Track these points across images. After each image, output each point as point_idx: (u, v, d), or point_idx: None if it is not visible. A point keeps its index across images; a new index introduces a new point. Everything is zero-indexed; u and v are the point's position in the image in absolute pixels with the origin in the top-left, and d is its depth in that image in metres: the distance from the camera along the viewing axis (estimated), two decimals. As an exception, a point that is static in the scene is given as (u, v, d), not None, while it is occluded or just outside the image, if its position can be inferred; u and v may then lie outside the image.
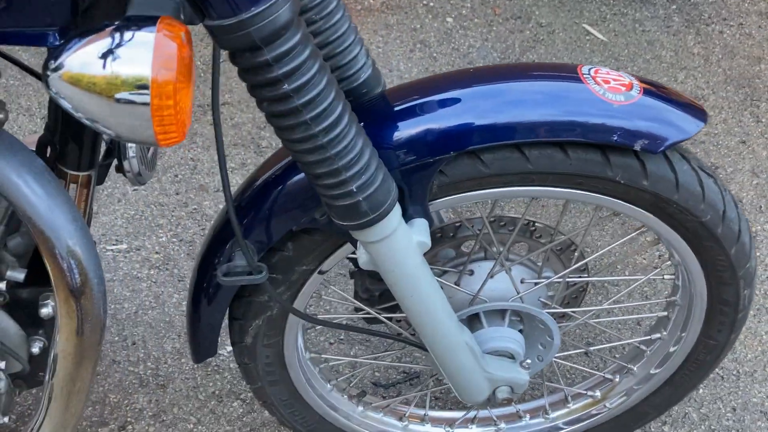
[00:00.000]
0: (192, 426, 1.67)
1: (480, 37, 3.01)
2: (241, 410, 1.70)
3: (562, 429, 1.52)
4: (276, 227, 1.05)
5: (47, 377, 1.06)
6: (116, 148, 1.11)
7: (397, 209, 0.94)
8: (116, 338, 1.82)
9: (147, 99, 0.66)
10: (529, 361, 1.22)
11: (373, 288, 1.32)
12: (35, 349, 1.16)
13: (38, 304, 1.09)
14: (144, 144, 0.70)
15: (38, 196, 0.90)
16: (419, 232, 0.99)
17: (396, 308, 1.33)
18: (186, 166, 2.28)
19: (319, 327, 1.70)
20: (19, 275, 1.03)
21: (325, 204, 0.93)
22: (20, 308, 1.12)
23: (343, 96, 0.84)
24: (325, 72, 0.81)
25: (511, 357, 1.25)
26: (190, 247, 2.06)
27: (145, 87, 0.66)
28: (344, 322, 1.53)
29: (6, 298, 1.09)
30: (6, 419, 1.14)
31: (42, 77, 0.72)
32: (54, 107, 0.96)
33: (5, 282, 1.02)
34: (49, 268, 0.94)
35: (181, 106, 0.68)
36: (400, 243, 0.96)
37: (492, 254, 1.25)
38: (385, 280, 1.03)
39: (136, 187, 2.15)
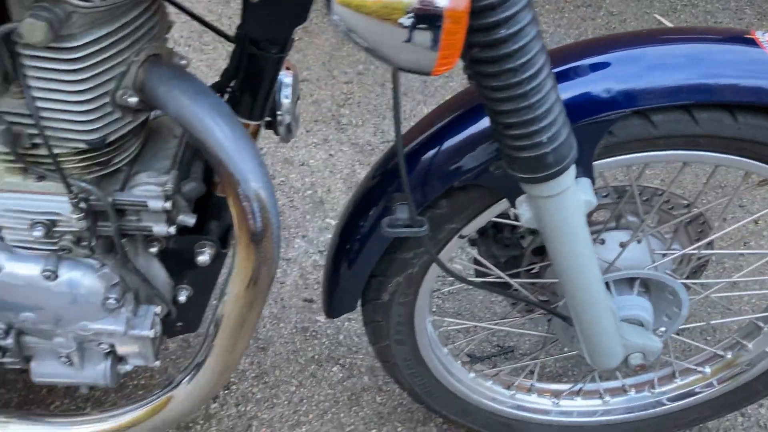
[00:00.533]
0: (294, 388, 1.69)
1: (552, 23, 3.02)
2: (340, 375, 1.72)
3: (665, 405, 1.54)
4: (437, 183, 1.06)
5: (212, 322, 1.09)
6: (270, 104, 1.13)
7: (574, 165, 0.95)
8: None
9: (440, 25, 0.68)
10: (663, 328, 1.23)
11: (499, 254, 1.34)
12: (182, 297, 1.19)
13: (194, 251, 1.12)
14: (415, 71, 0.71)
15: (229, 140, 0.92)
16: (585, 191, 1.00)
17: (517, 275, 1.35)
18: (271, 140, 2.31)
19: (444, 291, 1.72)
20: (190, 220, 1.05)
21: (507, 156, 0.94)
22: (172, 256, 1.15)
23: (545, 47, 0.85)
24: (536, 22, 0.82)
25: (641, 325, 1.26)
26: (279, 219, 2.08)
27: (437, 14, 0.68)
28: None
29: (163, 244, 1.11)
30: (158, 363, 1.17)
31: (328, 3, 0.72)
32: (239, 52, 0.98)
33: (174, 226, 1.05)
34: (234, 212, 0.96)
35: (462, 34, 0.70)
36: (570, 200, 0.97)
37: (625, 224, 1.27)
38: (545, 239, 1.04)
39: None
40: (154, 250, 1.11)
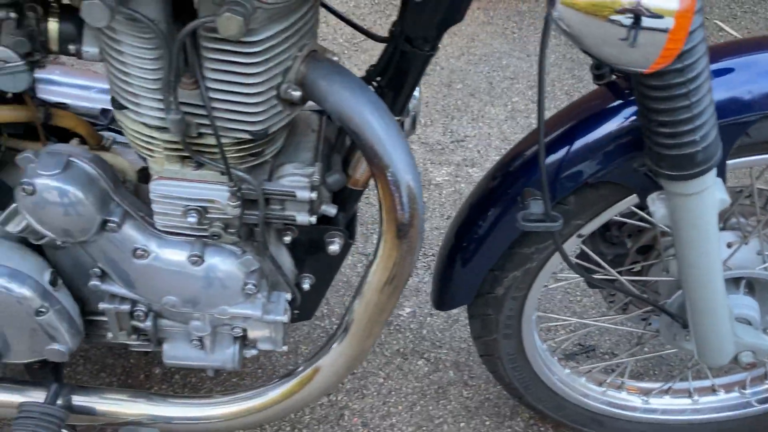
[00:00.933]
0: (382, 380, 1.73)
1: (613, 28, 3.05)
2: (426, 369, 1.76)
3: (754, 407, 1.55)
4: (570, 180, 1.10)
5: (349, 309, 1.13)
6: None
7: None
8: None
9: (667, 27, 0.71)
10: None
11: (607, 252, 1.37)
12: (305, 286, 1.23)
13: (324, 241, 1.16)
14: (627, 69, 0.75)
15: (384, 133, 0.96)
16: (720, 190, 1.03)
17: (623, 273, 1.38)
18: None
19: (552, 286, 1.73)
20: (332, 210, 1.09)
21: (655, 153, 0.97)
22: (300, 245, 1.19)
23: (707, 46, 0.88)
24: (702, 25, 0.86)
25: (749, 324, 1.29)
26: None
27: (666, 16, 0.71)
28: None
29: (295, 233, 1.15)
30: (285, 348, 1.21)
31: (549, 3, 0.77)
32: (392, 49, 1.02)
33: (314, 216, 1.09)
34: (383, 202, 1.00)
35: (685, 33, 0.73)
36: (708, 198, 1.01)
37: (733, 225, 1.29)
38: (676, 236, 1.07)
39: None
40: (287, 239, 1.15)
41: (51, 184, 0.99)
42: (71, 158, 1.01)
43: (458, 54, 2.77)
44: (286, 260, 1.20)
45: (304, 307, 1.28)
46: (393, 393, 1.72)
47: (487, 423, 1.68)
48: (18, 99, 1.18)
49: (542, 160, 1.01)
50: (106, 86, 1.30)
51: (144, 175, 1.16)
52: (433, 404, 1.70)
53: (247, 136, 0.98)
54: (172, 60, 0.89)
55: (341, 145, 1.13)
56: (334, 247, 1.15)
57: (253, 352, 1.24)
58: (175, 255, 1.09)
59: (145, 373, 1.70)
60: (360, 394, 1.71)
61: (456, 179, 2.29)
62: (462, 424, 1.67)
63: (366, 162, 0.98)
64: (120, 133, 1.23)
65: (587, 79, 2.80)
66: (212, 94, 0.94)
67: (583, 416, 1.54)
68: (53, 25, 0.96)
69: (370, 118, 0.96)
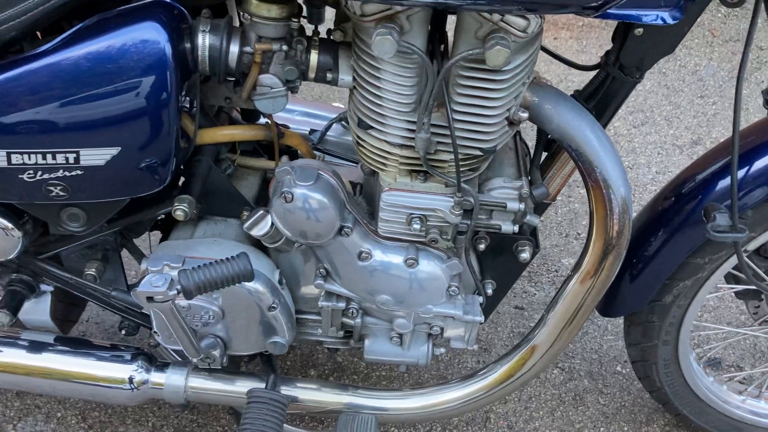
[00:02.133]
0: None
1: (704, 56, 3.15)
2: (561, 377, 1.86)
3: None
4: (752, 196, 1.21)
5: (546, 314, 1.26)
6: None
7: None
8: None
9: None
10: None
11: (760, 265, 1.47)
12: (489, 291, 1.35)
13: (515, 250, 1.27)
14: None
15: (604, 151, 1.08)
16: None
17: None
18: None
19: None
20: (535, 221, 1.21)
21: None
22: (489, 252, 1.30)
23: None
24: None
25: None
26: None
27: None
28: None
29: (488, 240, 1.27)
30: (475, 346, 1.33)
31: None
32: (602, 77, 1.15)
33: (517, 225, 1.21)
34: (595, 214, 1.12)
35: None
36: None
37: None
38: None
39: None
40: (482, 246, 1.27)
41: (307, 193, 1.12)
42: (320, 171, 1.15)
43: (556, 82, 2.89)
44: (474, 266, 1.33)
45: (483, 311, 1.40)
46: (533, 399, 1.82)
47: (625, 429, 1.77)
48: (251, 120, 1.33)
49: (734, 177, 1.13)
50: (306, 110, 1.46)
51: (353, 187, 1.30)
52: (572, 410, 1.80)
53: (478, 153, 1.11)
54: (434, 86, 1.02)
55: (538, 161, 1.26)
56: (525, 255, 1.27)
57: (441, 350, 1.36)
58: (394, 258, 1.21)
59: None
60: (502, 400, 1.81)
61: (569, 199, 2.40)
62: (602, 429, 1.76)
63: (582, 176, 1.10)
64: (323, 152, 1.38)
65: (684, 106, 2.91)
66: (456, 116, 1.07)
67: (724, 422, 1.63)
68: (314, 57, 1.10)
69: (590, 137, 1.08)
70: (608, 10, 0.95)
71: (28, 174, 1.04)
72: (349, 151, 1.43)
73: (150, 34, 0.99)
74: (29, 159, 1.03)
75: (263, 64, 1.08)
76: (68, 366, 1.32)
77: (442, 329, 1.31)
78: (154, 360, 1.34)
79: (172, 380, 1.31)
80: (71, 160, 1.03)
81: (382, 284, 1.23)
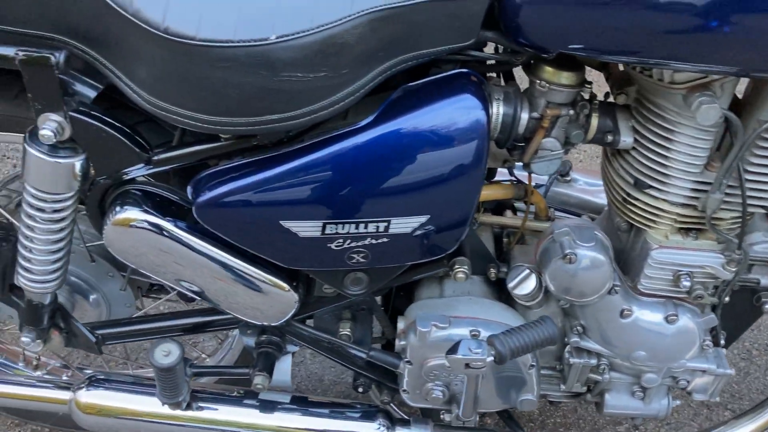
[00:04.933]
0: (695, 430, 1.84)
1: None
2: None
3: None
4: None
5: None
6: None
7: None
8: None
9: None
10: None
11: None
12: (722, 341, 1.35)
13: (761, 302, 1.28)
14: None
15: None
16: None
17: None
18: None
19: None
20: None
21: None
22: (726, 305, 1.32)
23: None
24: None
25: None
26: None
27: None
28: None
29: (728, 293, 1.28)
30: (718, 398, 1.33)
31: None
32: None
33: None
34: None
35: None
36: None
37: None
38: None
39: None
40: (727, 298, 1.28)
41: (589, 254, 1.14)
42: (595, 231, 1.16)
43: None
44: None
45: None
46: (712, 443, 1.82)
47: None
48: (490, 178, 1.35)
49: None
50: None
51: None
52: (753, 453, 1.80)
53: (761, 210, 1.12)
54: (742, 149, 1.04)
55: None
56: (768, 307, 1.28)
57: (677, 402, 1.37)
58: (654, 314, 1.22)
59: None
60: (678, 440, 1.82)
61: None
62: (787, 473, 1.76)
63: None
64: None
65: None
66: (746, 175, 1.09)
67: None
68: (594, 120, 1.12)
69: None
70: None
71: (337, 243, 1.06)
72: (563, 203, 1.45)
73: (467, 103, 1.01)
74: (342, 229, 1.04)
75: (548, 128, 1.11)
76: (313, 425, 1.32)
77: (688, 382, 1.32)
78: (391, 416, 1.34)
79: (418, 438, 1.32)
80: (381, 229, 1.05)
81: (640, 341, 1.24)
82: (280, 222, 1.03)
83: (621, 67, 1.16)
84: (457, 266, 1.17)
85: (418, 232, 1.06)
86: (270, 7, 0.89)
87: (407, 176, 1.02)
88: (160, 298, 1.51)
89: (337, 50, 0.92)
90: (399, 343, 1.25)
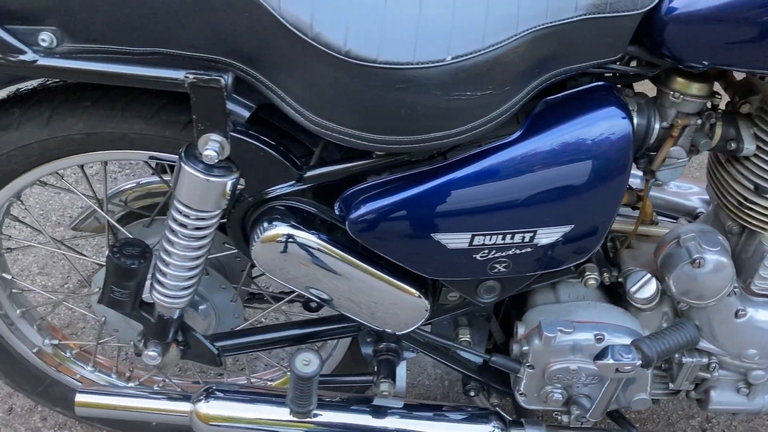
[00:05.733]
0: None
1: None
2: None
3: None
4: None
5: None
6: None
7: None
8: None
9: None
10: None
11: None
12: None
13: None
14: None
15: None
16: None
17: None
18: None
19: None
20: None
21: None
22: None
23: None
24: None
25: None
26: None
27: None
28: None
29: None
30: None
31: None
32: None
33: None
34: None
35: None
36: None
37: None
38: None
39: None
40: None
41: (717, 258, 1.18)
42: (718, 236, 1.21)
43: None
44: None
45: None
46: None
47: None
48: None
49: None
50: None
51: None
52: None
53: None
54: None
55: None
56: None
57: (769, 397, 1.42)
58: (767, 314, 1.27)
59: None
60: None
61: None
62: None
63: None
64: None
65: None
66: None
67: None
68: (718, 128, 1.16)
69: None
70: None
71: (482, 253, 1.09)
72: (656, 207, 1.49)
73: (613, 114, 1.04)
74: (489, 240, 1.07)
75: (677, 137, 1.14)
76: (431, 429, 1.35)
77: (794, 378, 1.36)
78: (504, 418, 1.38)
79: (533, 439, 1.35)
80: (527, 239, 1.08)
81: (752, 340, 1.28)
82: (431, 235, 1.06)
83: (741, 76, 1.21)
84: (587, 273, 1.21)
85: (561, 242, 1.10)
86: (444, 27, 0.92)
87: (556, 187, 1.05)
88: (261, 308, 1.54)
89: (504, 69, 0.95)
90: (519, 348, 1.29)
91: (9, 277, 1.48)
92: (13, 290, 1.51)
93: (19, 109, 1.17)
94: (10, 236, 1.57)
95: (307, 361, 1.17)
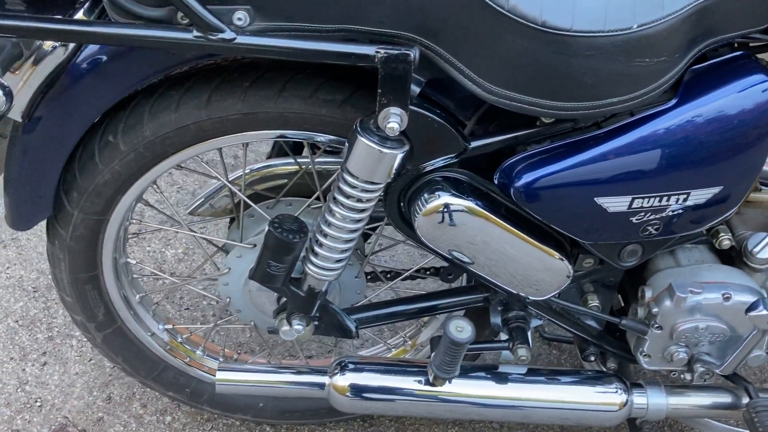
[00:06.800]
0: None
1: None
2: None
3: None
4: None
5: None
6: None
7: None
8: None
9: None
10: None
11: None
12: None
13: None
14: None
15: None
16: None
17: None
18: None
19: None
20: None
21: None
22: None
23: None
24: None
25: None
26: None
27: None
28: None
29: None
30: None
31: None
32: None
33: None
34: None
35: None
36: None
37: None
38: None
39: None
40: None
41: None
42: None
43: None
44: None
45: None
46: None
47: None
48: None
49: None
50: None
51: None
52: None
53: None
54: None
55: None
56: None
57: None
58: None
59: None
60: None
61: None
62: None
63: None
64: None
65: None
66: None
67: None
68: None
69: None
70: None
71: (638, 216, 1.14)
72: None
73: (759, 81, 1.11)
74: (647, 202, 1.13)
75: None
76: (557, 395, 1.40)
77: None
78: (624, 381, 1.43)
79: (654, 399, 1.41)
80: (680, 201, 1.14)
81: None
82: (595, 199, 1.12)
83: None
84: (722, 234, 1.28)
85: (709, 203, 1.16)
86: (628, -4, 0.98)
87: (710, 150, 1.11)
88: (377, 286, 1.58)
89: (677, 36, 1.01)
90: (646, 310, 1.35)
91: (134, 262, 1.50)
92: (134, 275, 1.54)
93: (177, 91, 1.20)
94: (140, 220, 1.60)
95: (461, 328, 1.22)
